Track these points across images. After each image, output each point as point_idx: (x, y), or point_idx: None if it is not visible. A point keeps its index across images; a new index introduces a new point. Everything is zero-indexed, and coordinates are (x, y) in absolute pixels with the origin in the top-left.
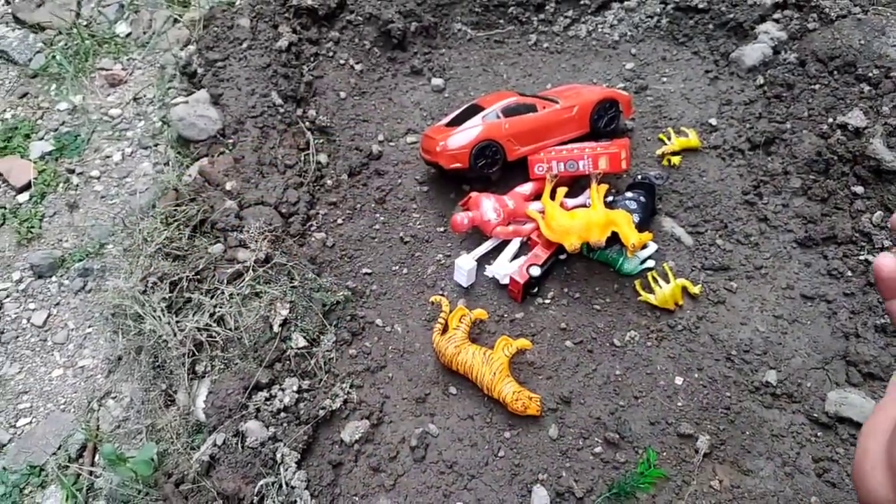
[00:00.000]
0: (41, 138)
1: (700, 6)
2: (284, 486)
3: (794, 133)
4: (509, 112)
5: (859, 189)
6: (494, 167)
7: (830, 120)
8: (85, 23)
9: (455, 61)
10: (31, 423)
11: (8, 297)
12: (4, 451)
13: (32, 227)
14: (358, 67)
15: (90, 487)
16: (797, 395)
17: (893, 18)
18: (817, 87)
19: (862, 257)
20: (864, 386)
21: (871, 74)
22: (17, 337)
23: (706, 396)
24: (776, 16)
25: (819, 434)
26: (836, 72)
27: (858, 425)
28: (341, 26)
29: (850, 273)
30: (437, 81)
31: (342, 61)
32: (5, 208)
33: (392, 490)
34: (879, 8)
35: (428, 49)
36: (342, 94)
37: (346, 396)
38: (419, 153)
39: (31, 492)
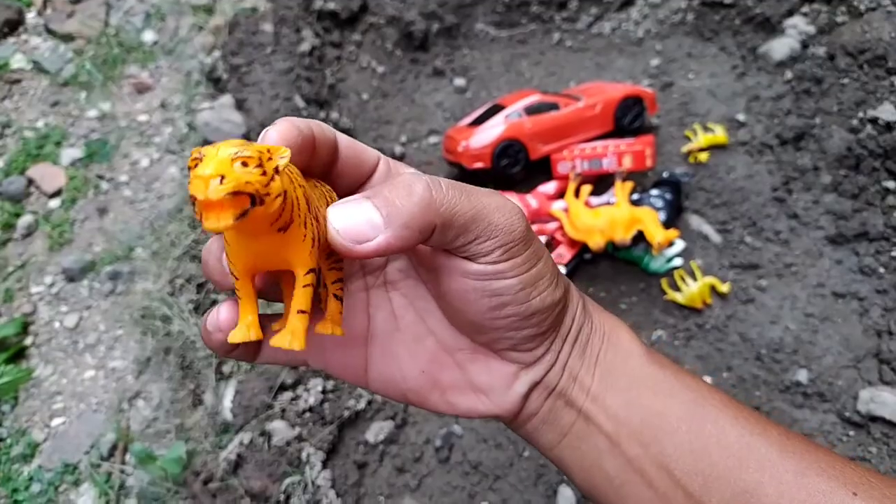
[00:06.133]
0: (72, 145)
1: (726, 1)
2: (310, 484)
3: (824, 128)
4: (532, 111)
5: (891, 184)
6: (517, 166)
7: (861, 114)
8: (113, 32)
9: (477, 61)
10: (64, 422)
11: (41, 300)
12: (40, 450)
13: (64, 231)
14: (380, 69)
15: (122, 485)
16: (828, 395)
17: None
18: (847, 81)
19: (894, 254)
20: None
21: None
22: (51, 339)
23: (736, 396)
24: (804, 10)
25: (851, 433)
26: (865, 65)
27: (891, 424)
28: (363, 29)
29: (882, 270)
30: (459, 82)
31: (364, 64)
32: (38, 213)
33: (417, 490)
34: None
35: (450, 50)
36: (364, 97)
37: (370, 397)
38: (441, 154)
39: (65, 489)
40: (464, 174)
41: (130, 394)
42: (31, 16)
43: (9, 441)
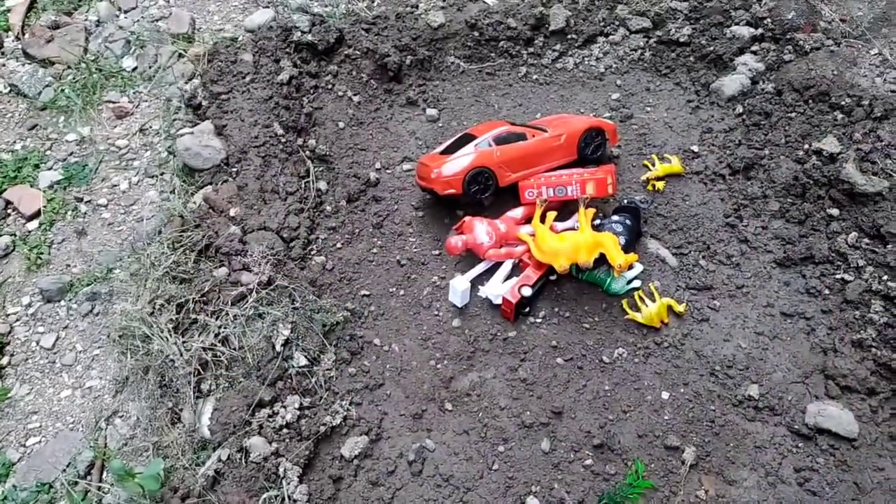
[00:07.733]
0: (50, 168)
1: (681, 40)
2: (287, 499)
3: (772, 159)
4: (501, 140)
5: (834, 211)
6: (487, 193)
7: (806, 146)
8: (93, 58)
9: (448, 92)
10: (40, 441)
11: (18, 321)
12: (14, 470)
13: (41, 253)
14: (356, 99)
15: (99, 503)
16: (778, 408)
17: (864, 50)
18: (793, 115)
19: (838, 276)
20: (841, 398)
21: (843, 103)
22: (27, 359)
23: (692, 410)
24: (754, 48)
25: (800, 445)
26: (811, 101)
27: (837, 436)
28: (340, 60)
29: (827, 291)
30: (431, 112)
31: (341, 93)
32: (15, 235)
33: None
34: (851, 41)
35: (422, 81)
36: (341, 125)
37: (345, 413)
38: (415, 180)
39: None
40: (436, 199)
41: (108, 412)
42: (8, 40)
43: None
